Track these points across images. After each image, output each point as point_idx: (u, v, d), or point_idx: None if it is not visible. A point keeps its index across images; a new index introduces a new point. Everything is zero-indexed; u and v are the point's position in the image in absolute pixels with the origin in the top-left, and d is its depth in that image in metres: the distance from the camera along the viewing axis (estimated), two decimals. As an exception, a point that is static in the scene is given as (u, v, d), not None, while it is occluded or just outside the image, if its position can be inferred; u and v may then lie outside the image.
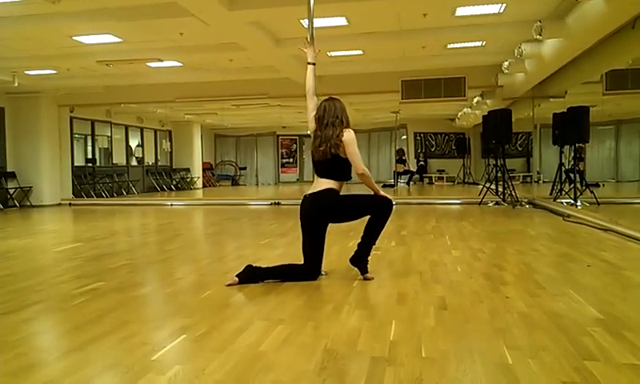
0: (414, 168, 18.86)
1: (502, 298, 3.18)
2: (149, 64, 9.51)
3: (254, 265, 3.79)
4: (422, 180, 18.93)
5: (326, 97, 3.81)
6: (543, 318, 2.77)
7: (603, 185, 9.98)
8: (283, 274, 3.77)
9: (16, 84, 10.17)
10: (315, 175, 3.75)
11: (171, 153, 18.74)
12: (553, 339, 2.43)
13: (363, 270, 3.76)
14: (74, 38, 7.55)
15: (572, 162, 9.86)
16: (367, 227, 3.77)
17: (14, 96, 11.63)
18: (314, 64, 3.92)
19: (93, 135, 14.72)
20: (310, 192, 3.71)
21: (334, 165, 3.64)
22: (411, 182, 17.60)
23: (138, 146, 17.07)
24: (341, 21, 7.01)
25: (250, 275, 3.70)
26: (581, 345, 2.35)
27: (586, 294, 3.26)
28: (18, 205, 11.68)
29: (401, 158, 17.89)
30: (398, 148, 17.92)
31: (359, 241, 3.80)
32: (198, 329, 2.69)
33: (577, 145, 9.52)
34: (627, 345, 2.35)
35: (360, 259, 3.78)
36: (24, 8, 6.25)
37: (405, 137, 19.86)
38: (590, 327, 2.59)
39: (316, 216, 3.67)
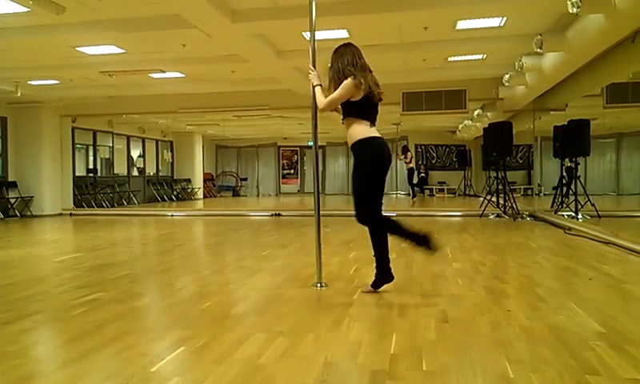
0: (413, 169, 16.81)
1: (503, 311, 3.16)
2: (151, 75, 9.55)
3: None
4: (423, 192, 18.88)
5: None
6: (545, 331, 2.76)
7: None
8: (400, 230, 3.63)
9: (18, 94, 10.21)
10: (370, 124, 3.59)
11: (172, 163, 18.80)
12: (554, 353, 2.42)
13: (389, 278, 3.66)
14: (77, 48, 7.60)
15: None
16: (375, 243, 3.65)
17: (17, 106, 11.69)
18: (320, 85, 3.79)
19: (94, 145, 14.77)
20: (378, 135, 3.57)
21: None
22: (414, 198, 16.19)
23: (139, 156, 17.10)
24: (342, 33, 7.04)
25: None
26: (583, 359, 2.34)
27: (587, 307, 3.24)
28: (18, 214, 11.68)
29: (406, 156, 16.13)
30: (402, 145, 16.88)
31: (375, 264, 3.69)
32: (197, 340, 2.68)
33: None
34: (629, 359, 2.34)
35: (382, 275, 3.66)
36: (27, 19, 6.29)
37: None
38: (592, 341, 2.57)
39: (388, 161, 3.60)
